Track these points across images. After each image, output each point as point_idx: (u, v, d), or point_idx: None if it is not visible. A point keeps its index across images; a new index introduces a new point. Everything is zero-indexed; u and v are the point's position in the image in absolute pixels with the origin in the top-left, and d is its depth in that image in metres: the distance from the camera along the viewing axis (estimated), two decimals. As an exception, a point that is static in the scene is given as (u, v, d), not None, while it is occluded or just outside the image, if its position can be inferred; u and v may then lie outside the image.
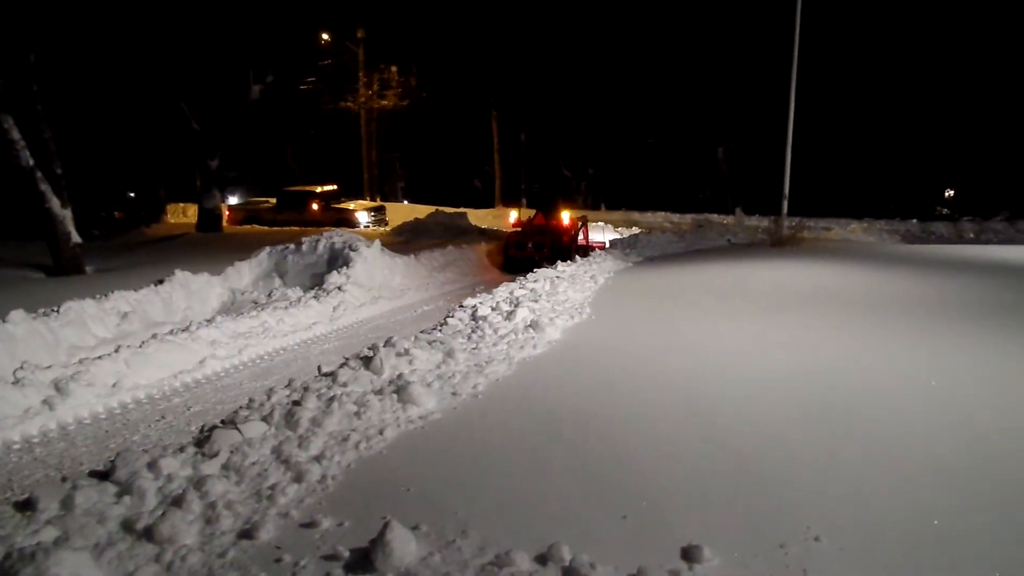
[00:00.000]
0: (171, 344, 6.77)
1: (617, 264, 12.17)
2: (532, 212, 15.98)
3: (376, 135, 32.56)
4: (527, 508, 3.34)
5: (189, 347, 6.85)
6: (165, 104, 19.22)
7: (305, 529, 3.16)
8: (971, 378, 5.21)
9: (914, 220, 22.01)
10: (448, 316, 7.35)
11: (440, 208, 22.80)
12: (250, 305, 9.29)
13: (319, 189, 22.39)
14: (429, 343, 6.10)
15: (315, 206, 21.51)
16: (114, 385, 5.87)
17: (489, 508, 3.34)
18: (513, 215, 16.55)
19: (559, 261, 11.80)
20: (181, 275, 9.29)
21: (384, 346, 5.78)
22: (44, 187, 11.62)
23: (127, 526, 3.17)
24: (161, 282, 8.99)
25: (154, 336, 6.97)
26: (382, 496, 3.48)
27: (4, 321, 6.47)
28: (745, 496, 3.42)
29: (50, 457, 4.70)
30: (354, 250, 10.93)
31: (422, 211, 22.39)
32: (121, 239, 17.87)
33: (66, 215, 11.92)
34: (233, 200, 28.37)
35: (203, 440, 4.06)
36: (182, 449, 3.98)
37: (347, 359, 5.70)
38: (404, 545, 2.86)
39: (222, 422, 4.33)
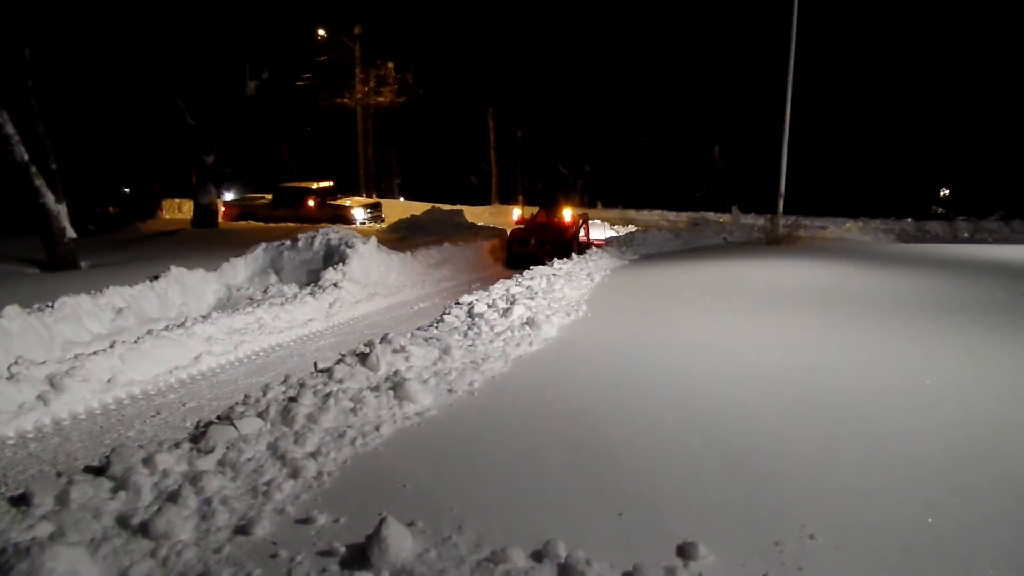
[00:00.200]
0: (166, 340, 6.76)
1: (613, 262, 12.18)
2: (535, 209, 16.08)
3: (372, 132, 32.54)
4: (523, 505, 3.34)
5: (184, 343, 6.84)
6: (161, 99, 19.13)
7: (301, 525, 3.16)
8: (966, 377, 5.23)
9: (909, 219, 22.02)
10: (444, 313, 7.35)
11: (436, 205, 22.72)
12: (246, 301, 9.27)
13: (315, 185, 22.32)
14: (425, 340, 6.10)
15: (311, 202, 21.47)
16: (109, 381, 5.86)
17: (485, 505, 3.34)
18: (516, 212, 16.80)
19: (563, 258, 11.82)
20: (176, 271, 9.28)
21: (380, 343, 5.77)
22: (39, 182, 11.56)
23: (122, 521, 3.17)
24: (156, 278, 8.98)
25: (149, 332, 6.96)
26: (378, 492, 3.48)
27: (-1, 316, 6.45)
28: (741, 493, 3.43)
29: (45, 452, 4.69)
30: (350, 247, 10.92)
31: (418, 208, 22.32)
32: (116, 235, 17.77)
33: (61, 210, 11.86)
34: (229, 196, 28.29)
35: (199, 436, 4.06)
36: (178, 445, 3.98)
37: (343, 356, 5.69)
38: (400, 541, 2.86)
39: (218, 418, 4.34)
